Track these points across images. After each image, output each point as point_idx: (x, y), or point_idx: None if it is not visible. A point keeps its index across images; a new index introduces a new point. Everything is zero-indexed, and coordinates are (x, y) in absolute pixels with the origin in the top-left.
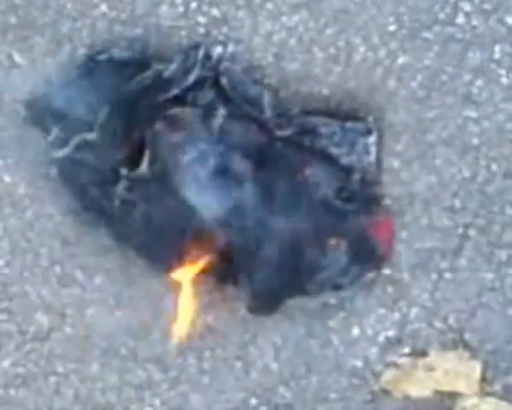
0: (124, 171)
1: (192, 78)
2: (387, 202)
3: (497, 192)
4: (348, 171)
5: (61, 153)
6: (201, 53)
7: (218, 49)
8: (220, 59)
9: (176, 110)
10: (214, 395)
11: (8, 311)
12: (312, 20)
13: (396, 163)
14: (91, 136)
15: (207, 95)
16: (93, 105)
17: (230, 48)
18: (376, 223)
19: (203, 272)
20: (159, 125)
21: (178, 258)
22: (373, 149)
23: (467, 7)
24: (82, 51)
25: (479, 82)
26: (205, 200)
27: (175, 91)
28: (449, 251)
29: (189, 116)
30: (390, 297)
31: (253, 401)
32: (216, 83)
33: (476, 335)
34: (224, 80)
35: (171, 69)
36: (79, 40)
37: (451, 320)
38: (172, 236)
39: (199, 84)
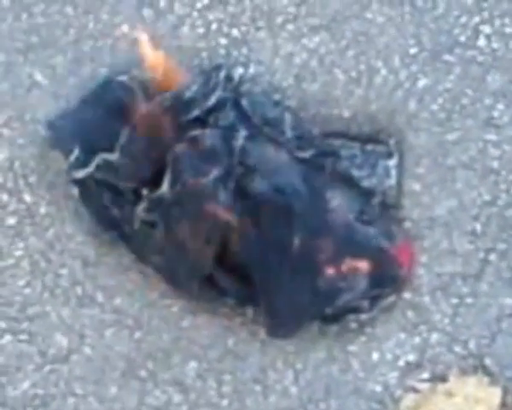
0: (144, 192)
1: (213, 99)
2: (408, 225)
3: None
4: (369, 194)
5: (81, 173)
6: (223, 74)
7: (239, 71)
8: (241, 80)
9: (197, 132)
10: None
11: (28, 332)
12: (333, 42)
13: (417, 186)
14: (112, 156)
15: (228, 116)
16: (114, 126)
17: (251, 69)
18: (397, 246)
19: (223, 292)
20: (180, 147)
21: (199, 281)
22: (394, 172)
23: (487, 30)
24: (103, 71)
25: (499, 105)
26: (226, 222)
27: (196, 113)
28: (470, 276)
29: (209, 138)
30: (410, 322)
31: None
32: (237, 104)
33: (496, 360)
34: (244, 102)
35: (192, 90)
36: (100, 60)
37: (472, 345)
38: (193, 258)
39: (220, 105)
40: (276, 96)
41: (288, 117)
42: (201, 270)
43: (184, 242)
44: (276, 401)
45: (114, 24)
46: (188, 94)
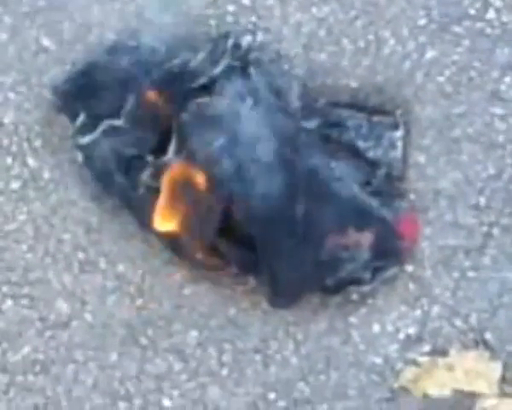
0: (149, 158)
1: (220, 67)
2: (412, 197)
3: None
4: (374, 165)
5: (87, 138)
6: (230, 42)
7: (246, 39)
8: (249, 49)
9: (203, 99)
10: (233, 388)
11: (29, 297)
12: (342, 11)
13: (422, 158)
14: (118, 122)
15: (235, 85)
16: (120, 92)
17: (259, 37)
18: (400, 218)
19: (226, 261)
20: (186, 114)
21: (202, 247)
22: (399, 144)
23: (497, 2)
24: (110, 37)
25: (507, 79)
26: (231, 189)
27: (203, 80)
28: (472, 249)
29: (216, 106)
30: (412, 294)
31: (272, 396)
32: (244, 72)
33: (497, 335)
34: (252, 70)
35: (199, 58)
36: (108, 25)
37: (473, 320)
38: (197, 225)
39: (227, 73)
40: (284, 65)
41: (295, 86)
42: (204, 238)
43: (188, 210)
44: (277, 372)
45: None
46: (195, 62)
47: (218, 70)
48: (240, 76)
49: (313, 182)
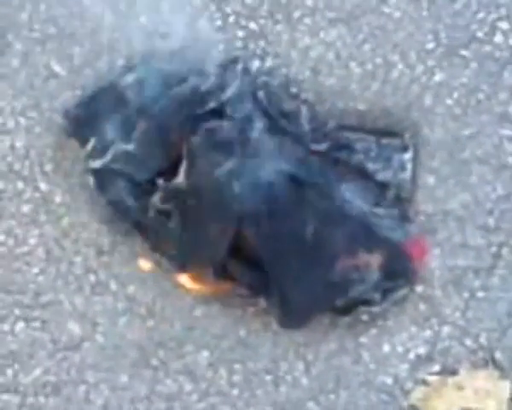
0: (160, 182)
1: (230, 91)
2: (421, 218)
3: None
4: (383, 187)
5: (98, 163)
6: (240, 67)
7: (255, 64)
8: (258, 73)
9: (213, 123)
10: (243, 408)
11: (41, 319)
12: (350, 35)
13: (431, 180)
14: (129, 147)
15: (244, 109)
16: (131, 116)
17: (268, 62)
18: (410, 240)
19: (236, 283)
20: (196, 138)
21: (213, 270)
22: (408, 166)
23: (505, 26)
24: (120, 62)
25: None
26: (241, 212)
27: (212, 105)
28: (482, 270)
29: (226, 130)
30: (422, 315)
31: None
32: (253, 97)
33: (507, 354)
34: (261, 94)
35: (209, 82)
36: (117, 51)
37: (482, 339)
38: (208, 247)
39: (236, 97)
40: (293, 89)
41: (304, 110)
42: (216, 259)
43: (199, 232)
44: (287, 392)
45: (132, 16)
46: (204, 86)
47: (227, 95)
48: (249, 100)
49: (323, 204)
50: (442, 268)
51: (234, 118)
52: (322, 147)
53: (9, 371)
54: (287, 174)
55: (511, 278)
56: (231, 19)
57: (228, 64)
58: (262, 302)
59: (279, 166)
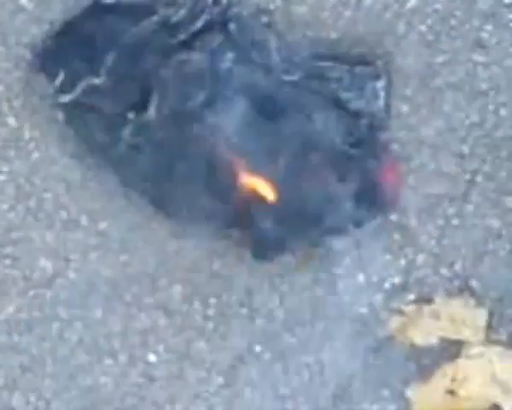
0: (130, 115)
1: (200, 23)
2: (395, 146)
3: (505, 138)
4: (356, 116)
5: (67, 97)
6: None
7: None
8: (228, 4)
9: (183, 55)
10: (219, 342)
11: (12, 256)
12: None
13: (404, 108)
14: (98, 80)
15: (215, 40)
16: (100, 49)
17: None
18: (383, 168)
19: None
20: (166, 71)
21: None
22: (382, 94)
23: None
24: None
25: (488, 27)
26: (212, 144)
27: (182, 36)
28: (456, 197)
29: (196, 61)
30: (396, 244)
31: (258, 348)
32: (224, 28)
33: (482, 282)
34: (231, 25)
35: (179, 14)
36: None
37: (458, 267)
38: (179, 181)
39: (206, 29)
40: (263, 19)
41: (274, 40)
42: (187, 194)
43: (170, 166)
44: (262, 325)
45: None
46: (174, 18)
47: (197, 26)
48: (220, 31)
49: (295, 135)
50: (416, 196)
51: (204, 50)
52: (294, 77)
53: None
54: (258, 105)
55: (486, 204)
56: None
57: None
58: (235, 234)
59: (250, 98)
